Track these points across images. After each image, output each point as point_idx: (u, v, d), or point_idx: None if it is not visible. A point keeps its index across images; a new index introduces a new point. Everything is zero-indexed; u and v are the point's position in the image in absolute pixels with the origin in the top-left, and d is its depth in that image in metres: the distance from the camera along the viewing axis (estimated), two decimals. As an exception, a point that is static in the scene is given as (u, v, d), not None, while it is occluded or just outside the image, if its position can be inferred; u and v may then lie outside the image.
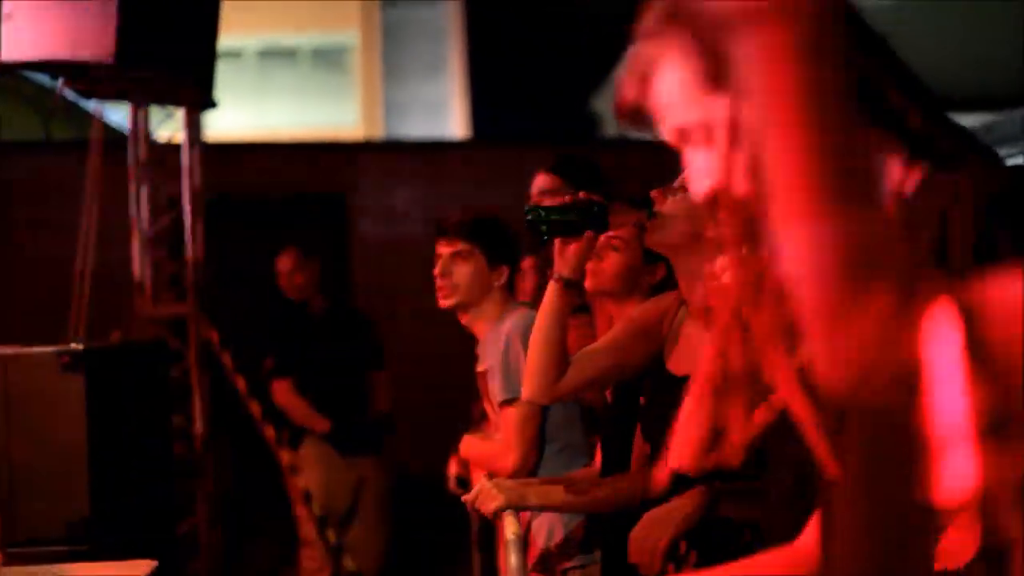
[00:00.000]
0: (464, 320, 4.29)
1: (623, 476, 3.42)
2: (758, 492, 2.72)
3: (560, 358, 3.25)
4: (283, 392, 6.95)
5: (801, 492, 1.68)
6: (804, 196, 1.18)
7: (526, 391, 3.35)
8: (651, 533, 2.92)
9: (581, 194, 3.18)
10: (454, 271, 4.21)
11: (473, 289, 4.22)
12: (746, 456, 1.72)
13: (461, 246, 4.22)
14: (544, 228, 3.16)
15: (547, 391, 3.30)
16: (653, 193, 3.15)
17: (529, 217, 3.18)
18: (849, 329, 1.17)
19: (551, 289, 3.24)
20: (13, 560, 3.76)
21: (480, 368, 4.19)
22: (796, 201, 1.18)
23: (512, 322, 4.10)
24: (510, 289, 4.33)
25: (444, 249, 4.24)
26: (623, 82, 1.61)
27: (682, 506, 2.89)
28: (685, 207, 3.05)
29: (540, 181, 4.46)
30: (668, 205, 3.09)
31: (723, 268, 2.41)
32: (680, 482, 2.88)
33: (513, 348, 4.01)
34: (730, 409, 1.68)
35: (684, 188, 3.07)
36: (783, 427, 1.62)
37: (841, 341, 1.18)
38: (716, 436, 1.75)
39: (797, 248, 1.20)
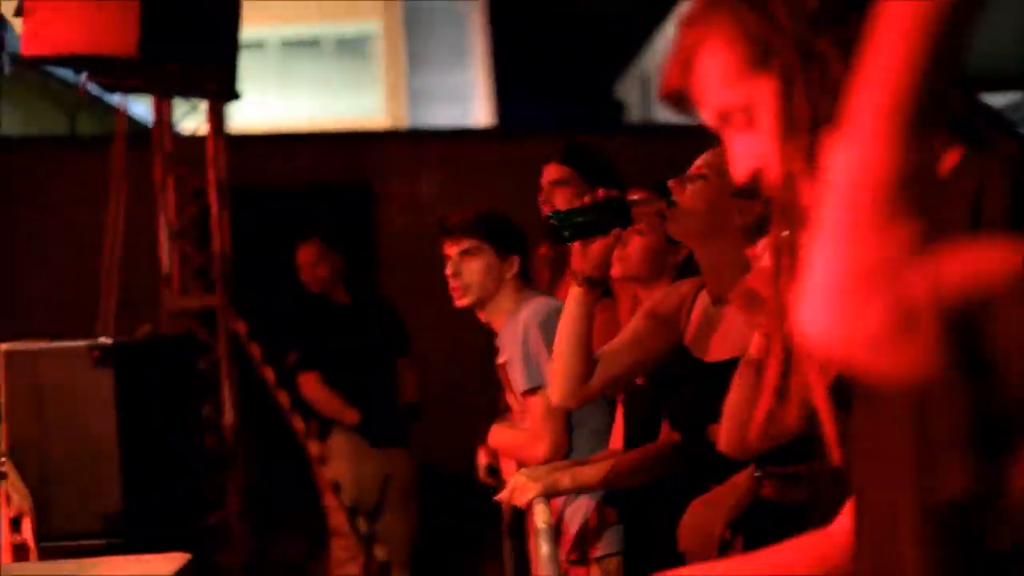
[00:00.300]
0: (482, 317, 4.29)
1: (649, 447, 3.41)
2: (804, 476, 2.71)
3: (588, 360, 3.22)
4: (310, 385, 6.95)
5: (844, 476, 1.68)
6: (879, 118, 1.18)
7: (554, 396, 3.32)
8: (704, 520, 2.90)
9: (600, 192, 3.13)
10: (464, 269, 4.21)
11: (486, 285, 4.21)
12: (793, 439, 1.73)
13: (468, 243, 4.22)
14: (568, 233, 3.11)
15: (576, 395, 3.28)
16: (670, 183, 3.13)
17: (551, 222, 3.13)
18: (868, 252, 1.16)
19: (575, 291, 3.19)
20: (47, 554, 3.77)
21: (500, 360, 4.19)
22: (866, 121, 1.18)
23: (529, 311, 4.09)
24: (526, 277, 4.32)
25: (451, 249, 4.24)
26: (666, 67, 1.63)
27: (732, 491, 2.88)
28: (705, 196, 3.04)
29: (551, 171, 4.44)
30: (688, 195, 3.07)
31: (763, 250, 2.39)
32: (728, 466, 2.86)
33: (532, 337, 4.01)
34: (780, 390, 1.68)
35: (701, 177, 3.05)
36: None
37: (852, 267, 1.17)
38: (765, 419, 1.75)
39: (848, 162, 1.19)
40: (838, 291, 1.18)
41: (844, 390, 1.59)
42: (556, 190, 4.36)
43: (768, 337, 1.68)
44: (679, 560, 2.85)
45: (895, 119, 1.16)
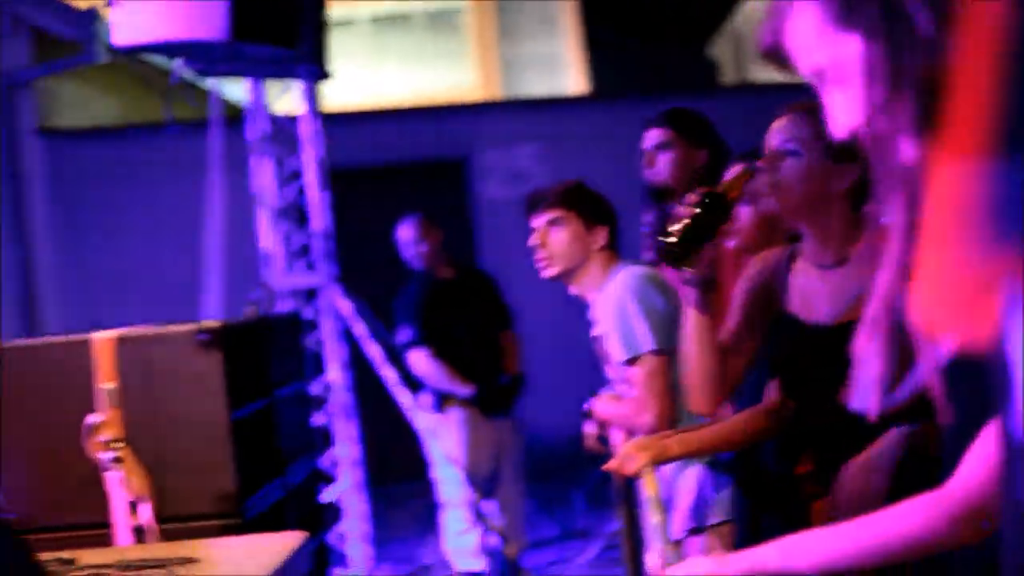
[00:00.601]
0: (572, 289, 4.29)
1: (755, 409, 3.38)
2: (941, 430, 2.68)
3: (719, 363, 3.19)
4: (422, 360, 7.00)
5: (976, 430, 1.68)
6: (985, 133, 1.17)
7: (693, 406, 3.30)
8: (867, 482, 2.87)
9: (690, 197, 3.08)
10: (550, 240, 4.21)
11: (573, 255, 4.21)
12: (926, 394, 1.72)
13: (553, 214, 4.22)
14: (679, 252, 3.04)
15: (714, 401, 3.26)
16: (761, 163, 3.09)
17: (662, 248, 3.06)
18: (975, 265, 1.16)
19: (692, 296, 3.14)
20: (166, 537, 3.83)
21: (596, 332, 4.19)
22: (973, 136, 1.17)
23: (620, 281, 4.08)
24: (614, 247, 4.31)
25: (537, 221, 4.25)
26: (762, 26, 1.64)
27: (886, 450, 2.85)
28: (798, 171, 3.00)
29: (652, 135, 4.44)
30: (782, 172, 3.03)
31: (876, 211, 2.37)
32: (870, 426, 2.83)
33: (626, 307, 4.00)
34: (907, 346, 1.68)
35: (791, 153, 3.01)
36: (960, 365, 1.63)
37: (949, 275, 1.18)
38: (896, 375, 1.75)
39: (952, 181, 1.18)
40: (948, 295, 1.19)
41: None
42: (659, 154, 4.36)
43: (885, 296, 1.67)
44: (791, 523, 2.83)
45: (998, 136, 1.15)
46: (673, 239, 3.02)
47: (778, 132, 3.07)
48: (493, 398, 7.03)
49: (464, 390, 6.97)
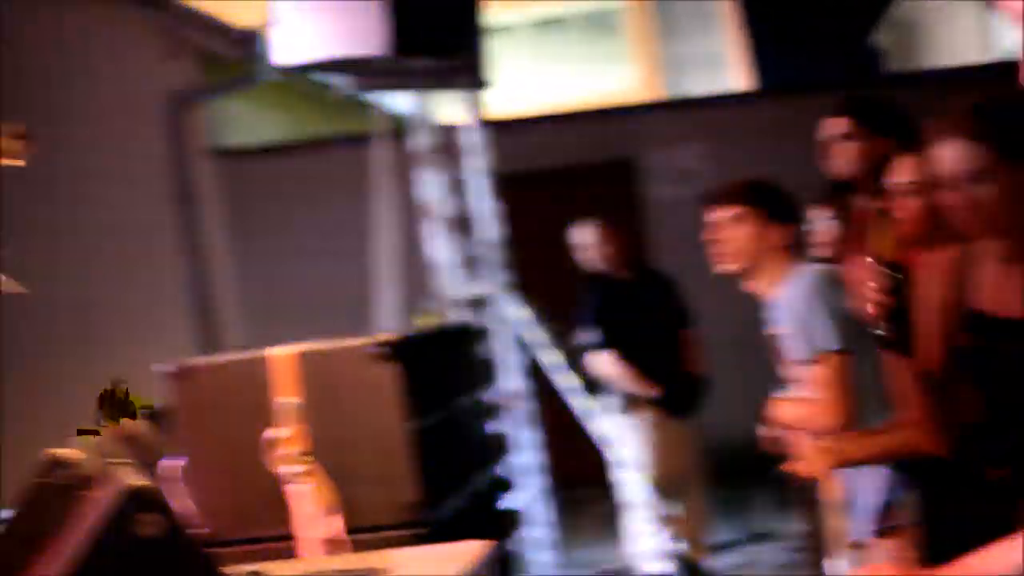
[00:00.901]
0: (749, 286, 4.22)
1: (939, 415, 3.28)
2: None
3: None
4: (607, 363, 6.99)
5: None
6: None
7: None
8: None
9: (877, 282, 3.00)
10: (727, 235, 4.16)
11: (749, 252, 4.14)
12: None
13: (733, 210, 4.16)
14: (900, 339, 2.99)
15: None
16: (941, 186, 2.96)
17: (881, 340, 3.01)
18: None
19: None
20: (354, 548, 3.86)
21: (773, 331, 4.12)
22: None
23: (801, 280, 4.02)
24: (795, 246, 4.23)
25: (716, 215, 4.19)
26: None
27: None
28: (995, 192, 2.86)
29: (831, 126, 4.32)
30: (980, 193, 2.88)
31: None
32: None
33: (810, 306, 3.93)
34: None
35: (982, 177, 2.87)
36: None
37: None
38: None
39: None
40: None
41: None
42: (838, 145, 4.25)
43: None
44: (985, 529, 2.74)
45: None
46: (889, 332, 2.99)
47: (956, 156, 2.91)
48: (678, 399, 7.00)
49: (649, 392, 6.94)
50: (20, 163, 3.70)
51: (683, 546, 6.95)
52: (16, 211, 7.34)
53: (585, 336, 7.08)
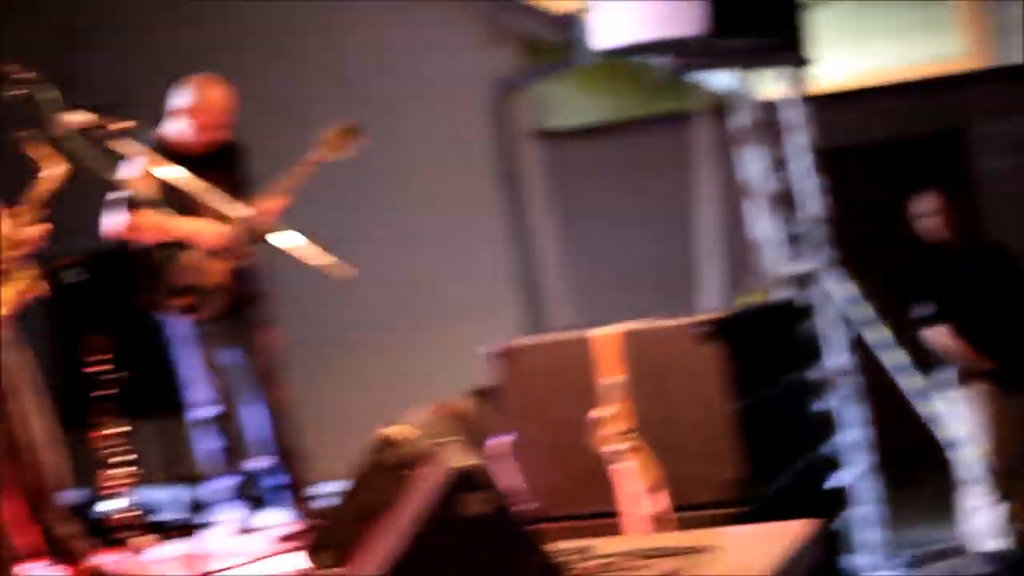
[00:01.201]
0: None
1: None
2: None
3: None
4: (943, 336, 6.85)
5: None
6: None
7: None
8: None
9: None
10: None
11: None
12: None
13: None
14: None
15: None
16: None
17: None
18: None
19: None
20: (680, 525, 3.88)
21: None
22: None
23: None
24: None
25: None
26: None
27: None
28: None
29: None
30: None
31: None
32: None
33: None
34: None
35: None
36: None
37: None
38: None
39: None
40: None
41: None
42: None
43: None
44: None
45: None
46: None
47: None
48: (1014, 372, 6.81)
49: (985, 364, 6.77)
50: (351, 155, 3.83)
51: (1020, 523, 6.75)
52: (349, 200, 7.62)
53: (922, 307, 6.94)
